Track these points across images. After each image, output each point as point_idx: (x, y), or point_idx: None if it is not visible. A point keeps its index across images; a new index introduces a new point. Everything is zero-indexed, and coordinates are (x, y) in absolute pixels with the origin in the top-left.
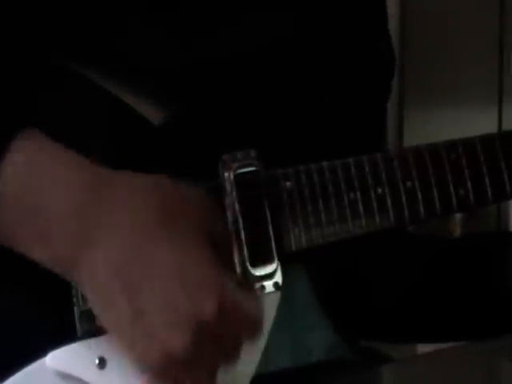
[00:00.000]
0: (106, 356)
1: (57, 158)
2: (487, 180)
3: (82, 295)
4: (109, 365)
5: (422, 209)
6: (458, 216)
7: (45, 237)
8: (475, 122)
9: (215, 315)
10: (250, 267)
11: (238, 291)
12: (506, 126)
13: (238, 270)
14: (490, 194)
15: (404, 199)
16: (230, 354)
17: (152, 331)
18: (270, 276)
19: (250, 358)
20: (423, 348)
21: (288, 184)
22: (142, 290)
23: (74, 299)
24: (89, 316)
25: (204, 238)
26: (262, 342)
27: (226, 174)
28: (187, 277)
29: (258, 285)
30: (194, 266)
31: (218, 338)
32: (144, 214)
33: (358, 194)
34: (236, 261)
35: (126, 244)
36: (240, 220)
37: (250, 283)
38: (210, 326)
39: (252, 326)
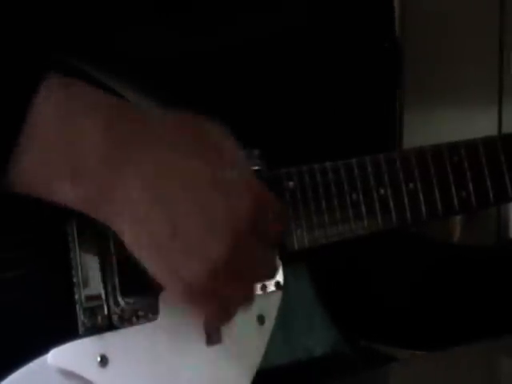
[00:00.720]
0: (108, 354)
1: (83, 96)
2: (489, 182)
3: (84, 293)
4: (110, 362)
5: (423, 210)
6: (458, 217)
7: (73, 172)
8: (475, 122)
9: (250, 215)
10: None
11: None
12: (506, 126)
13: None
14: (491, 195)
15: (406, 200)
16: (268, 249)
17: (191, 242)
18: None
19: (251, 357)
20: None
21: (291, 184)
22: (177, 201)
23: (76, 296)
24: (91, 313)
25: (234, 141)
26: (263, 340)
27: None
28: (219, 184)
29: (259, 284)
30: (225, 172)
31: (255, 234)
32: (171, 134)
33: (361, 195)
34: None
35: (157, 158)
36: None
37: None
38: (246, 225)
39: (283, 219)
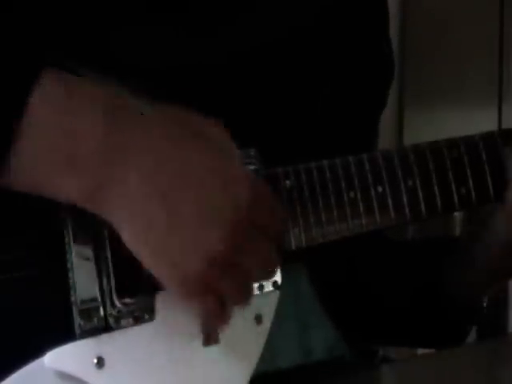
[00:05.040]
0: (105, 355)
1: (79, 92)
2: (489, 178)
3: (80, 295)
4: (107, 364)
5: (423, 207)
6: (459, 216)
7: (72, 166)
8: (475, 121)
9: (249, 204)
10: None
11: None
12: (506, 126)
13: None
14: (491, 192)
15: (405, 198)
16: (267, 244)
17: (189, 233)
18: None
19: (249, 357)
20: (423, 348)
21: (288, 183)
22: (176, 192)
23: (73, 298)
24: (87, 315)
25: (229, 145)
26: (261, 340)
27: None
28: (217, 173)
29: (257, 284)
30: (223, 163)
31: (254, 226)
32: (169, 128)
33: (359, 193)
34: None
35: (153, 157)
36: None
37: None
38: (245, 214)
39: (280, 216)
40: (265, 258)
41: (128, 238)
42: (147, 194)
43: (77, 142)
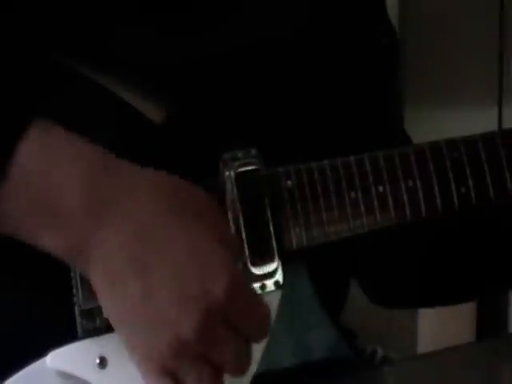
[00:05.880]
0: (107, 355)
1: (68, 147)
2: (489, 178)
3: (83, 294)
4: (110, 364)
5: (423, 207)
6: None
7: (55, 222)
8: (475, 122)
9: (225, 296)
10: (250, 266)
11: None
12: (506, 126)
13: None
14: (491, 192)
15: (405, 198)
16: (240, 344)
17: (161, 311)
18: (270, 275)
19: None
20: (423, 348)
21: (289, 183)
22: (153, 268)
23: (75, 298)
24: (89, 315)
25: (215, 224)
26: (263, 340)
27: (227, 173)
28: (198, 257)
29: (258, 284)
30: (205, 247)
31: (228, 321)
32: (155, 197)
33: (359, 193)
34: None
35: (137, 224)
36: (241, 219)
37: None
38: (219, 306)
39: (262, 316)
40: (234, 356)
41: (102, 302)
42: (125, 261)
43: (61, 199)
